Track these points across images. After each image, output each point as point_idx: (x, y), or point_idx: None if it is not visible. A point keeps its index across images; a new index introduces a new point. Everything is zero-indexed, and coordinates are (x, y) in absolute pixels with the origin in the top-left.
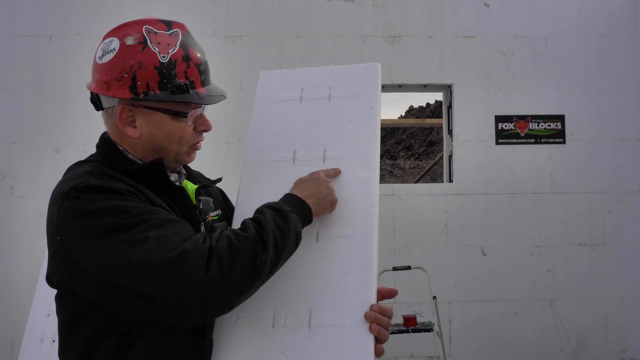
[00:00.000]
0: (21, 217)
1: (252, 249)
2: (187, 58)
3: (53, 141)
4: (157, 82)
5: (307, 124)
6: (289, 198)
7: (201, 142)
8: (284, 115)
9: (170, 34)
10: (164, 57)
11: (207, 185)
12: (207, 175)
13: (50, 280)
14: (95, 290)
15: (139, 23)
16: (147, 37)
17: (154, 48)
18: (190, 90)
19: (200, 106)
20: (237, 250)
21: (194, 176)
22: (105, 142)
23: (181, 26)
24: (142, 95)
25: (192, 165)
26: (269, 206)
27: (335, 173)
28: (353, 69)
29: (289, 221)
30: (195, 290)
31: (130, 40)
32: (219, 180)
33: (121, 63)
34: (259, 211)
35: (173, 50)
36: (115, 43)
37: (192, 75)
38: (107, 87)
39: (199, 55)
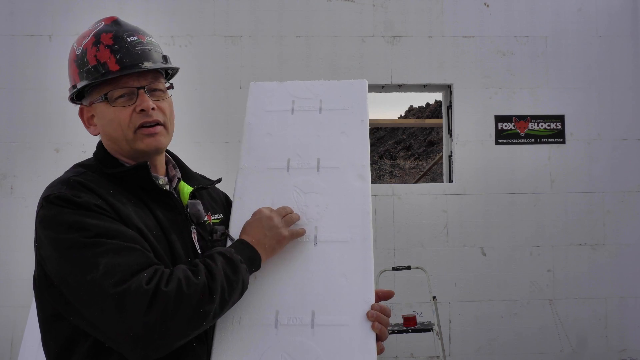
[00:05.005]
0: (21, 217)
1: (198, 297)
2: (97, 42)
3: (53, 141)
4: (77, 74)
5: (300, 134)
6: (240, 245)
7: (157, 125)
8: (277, 125)
9: (91, 27)
10: (78, 49)
11: (204, 187)
12: (211, 177)
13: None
14: (54, 300)
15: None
16: (77, 37)
17: (74, 45)
18: (102, 71)
19: (124, 85)
20: (185, 297)
21: (196, 178)
22: (99, 146)
23: (108, 18)
24: (71, 90)
25: (193, 167)
26: (220, 253)
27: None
28: (342, 84)
29: (238, 272)
30: (132, 331)
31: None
32: (218, 181)
33: (67, 67)
34: (210, 257)
35: (86, 40)
36: None
37: (103, 56)
38: (69, 90)
39: (114, 36)
